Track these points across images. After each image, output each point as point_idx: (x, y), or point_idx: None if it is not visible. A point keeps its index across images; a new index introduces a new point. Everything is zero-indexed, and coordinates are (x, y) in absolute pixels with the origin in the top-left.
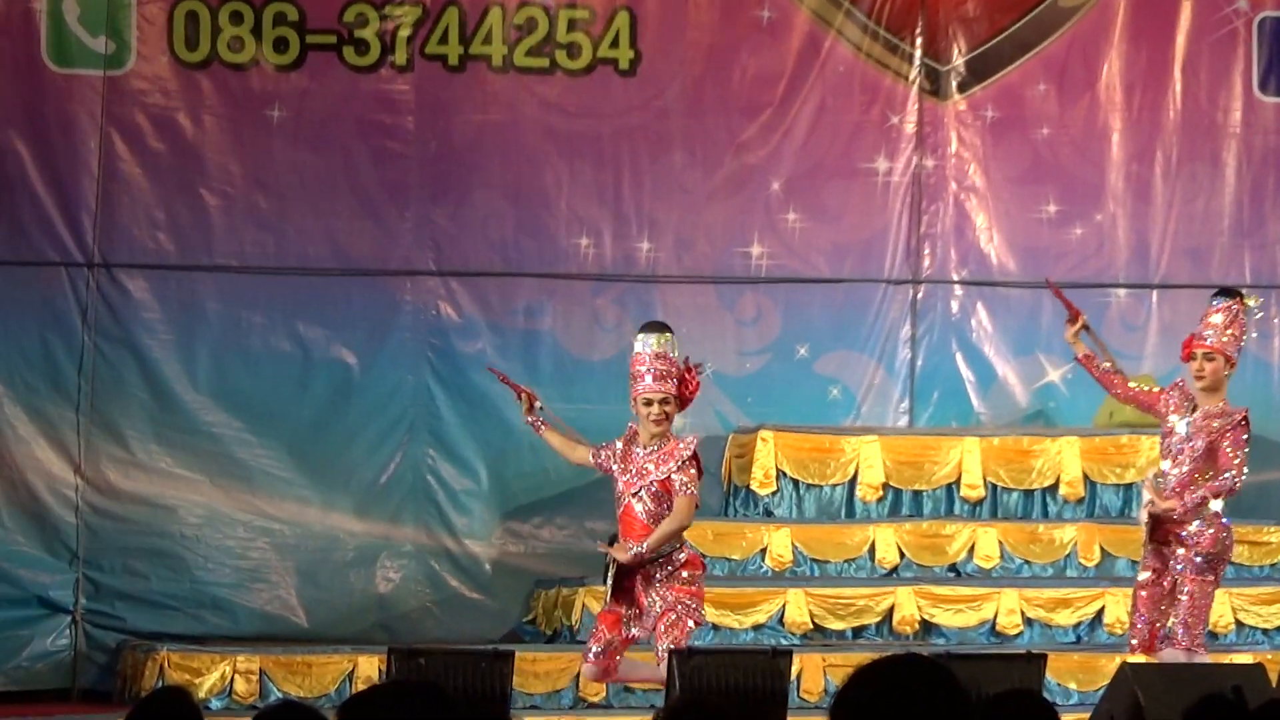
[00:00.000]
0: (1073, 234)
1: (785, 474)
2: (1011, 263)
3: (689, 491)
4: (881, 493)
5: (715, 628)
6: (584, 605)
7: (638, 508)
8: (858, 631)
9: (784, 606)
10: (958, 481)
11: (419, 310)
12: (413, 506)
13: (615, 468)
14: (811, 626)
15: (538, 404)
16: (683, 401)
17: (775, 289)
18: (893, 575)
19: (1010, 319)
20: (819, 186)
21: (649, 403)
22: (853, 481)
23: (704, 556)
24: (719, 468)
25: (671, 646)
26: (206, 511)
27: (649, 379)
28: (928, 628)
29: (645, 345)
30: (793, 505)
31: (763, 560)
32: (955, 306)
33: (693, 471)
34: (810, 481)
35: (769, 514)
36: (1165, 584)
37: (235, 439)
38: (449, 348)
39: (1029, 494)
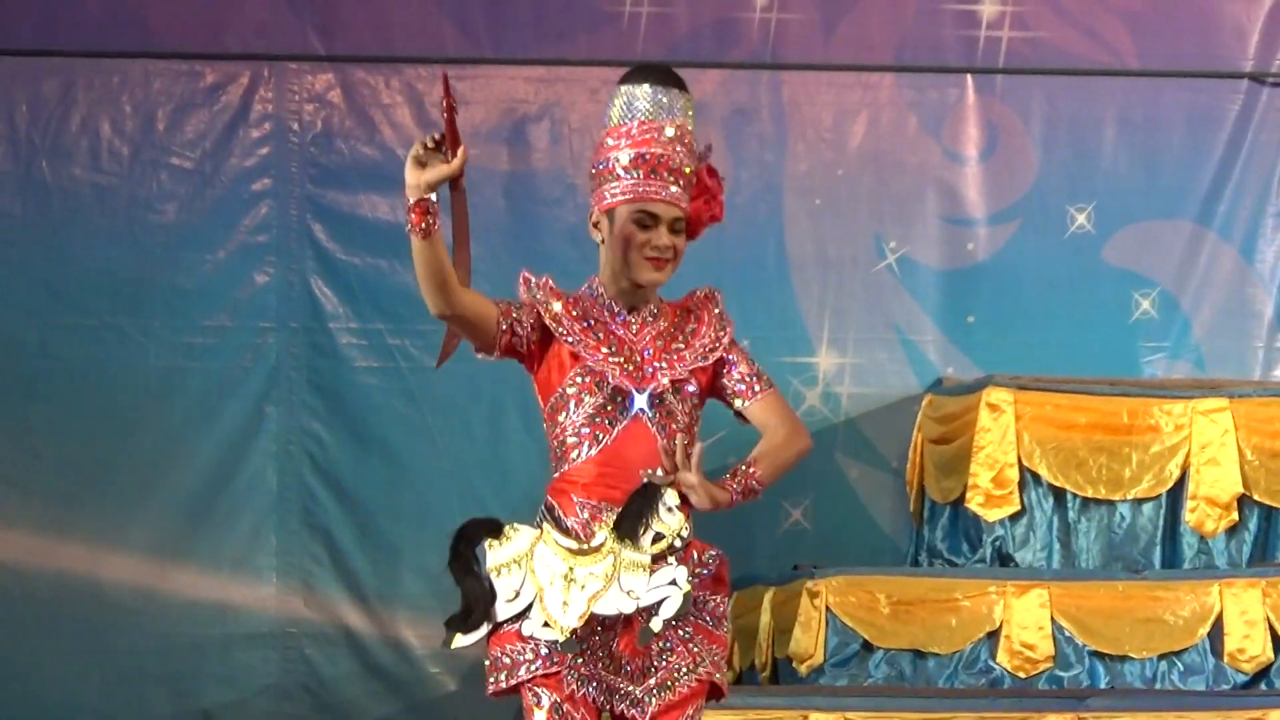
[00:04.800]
0: None
1: (1038, 478)
2: None
3: (774, 384)
4: (1235, 516)
5: None
6: None
7: (655, 430)
8: None
9: None
10: None
11: (286, 130)
12: (280, 540)
13: (576, 348)
14: None
15: (462, 180)
16: (695, 227)
17: (1025, 88)
18: (1261, 683)
19: None
20: None
21: (649, 221)
22: (1177, 492)
23: (868, 643)
24: (901, 461)
25: None
26: None
27: (650, 174)
28: None
29: (646, 104)
30: (1054, 542)
31: (992, 655)
32: None
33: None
34: (1090, 494)
35: (1006, 560)
36: None
37: None
38: (349, 205)
39: None
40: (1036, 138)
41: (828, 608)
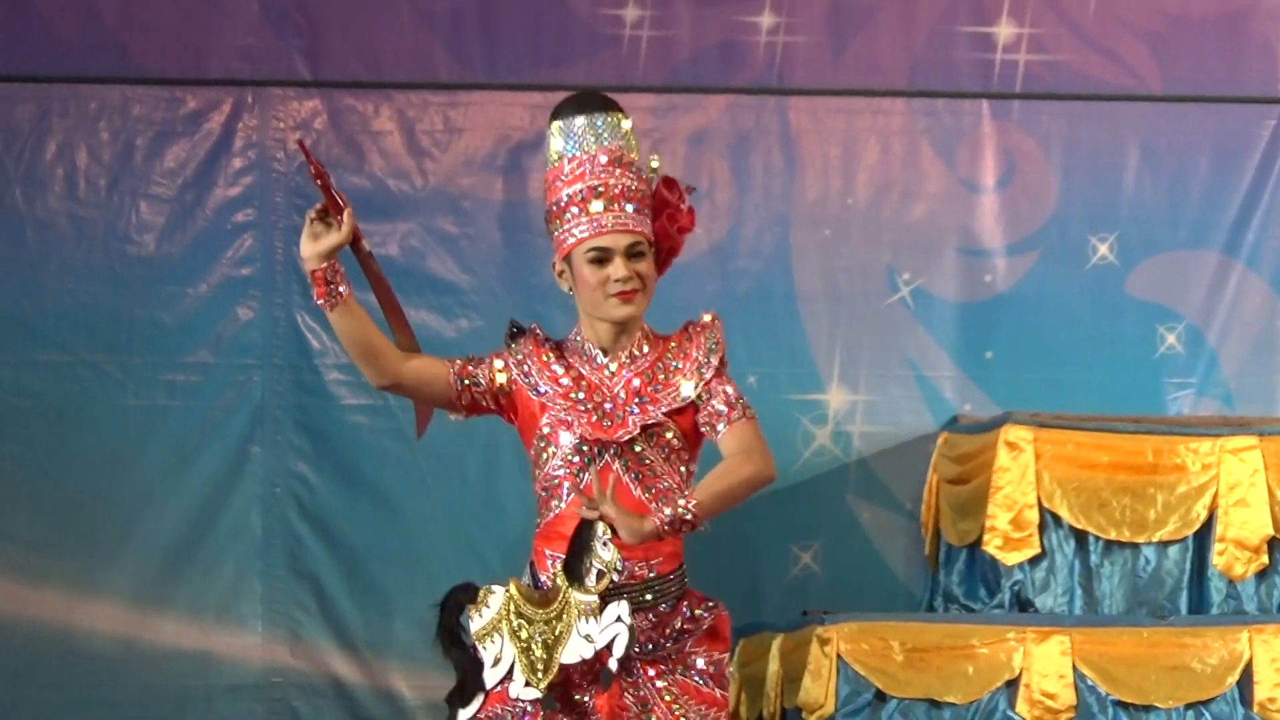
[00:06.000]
0: None
1: (1059, 519)
2: None
3: (751, 413)
4: (1266, 559)
5: None
6: None
7: (628, 479)
8: None
9: None
10: None
11: (271, 159)
12: (265, 587)
13: (542, 399)
14: None
15: (364, 244)
16: (667, 251)
17: (1044, 113)
18: None
19: None
20: None
21: (603, 257)
22: (1204, 535)
23: (881, 693)
24: (915, 502)
25: None
26: None
27: (598, 207)
28: None
29: (574, 138)
30: (1076, 587)
31: (1011, 705)
32: None
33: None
34: (1113, 536)
35: (1025, 605)
36: None
37: None
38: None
39: None
40: (1056, 165)
41: (839, 655)
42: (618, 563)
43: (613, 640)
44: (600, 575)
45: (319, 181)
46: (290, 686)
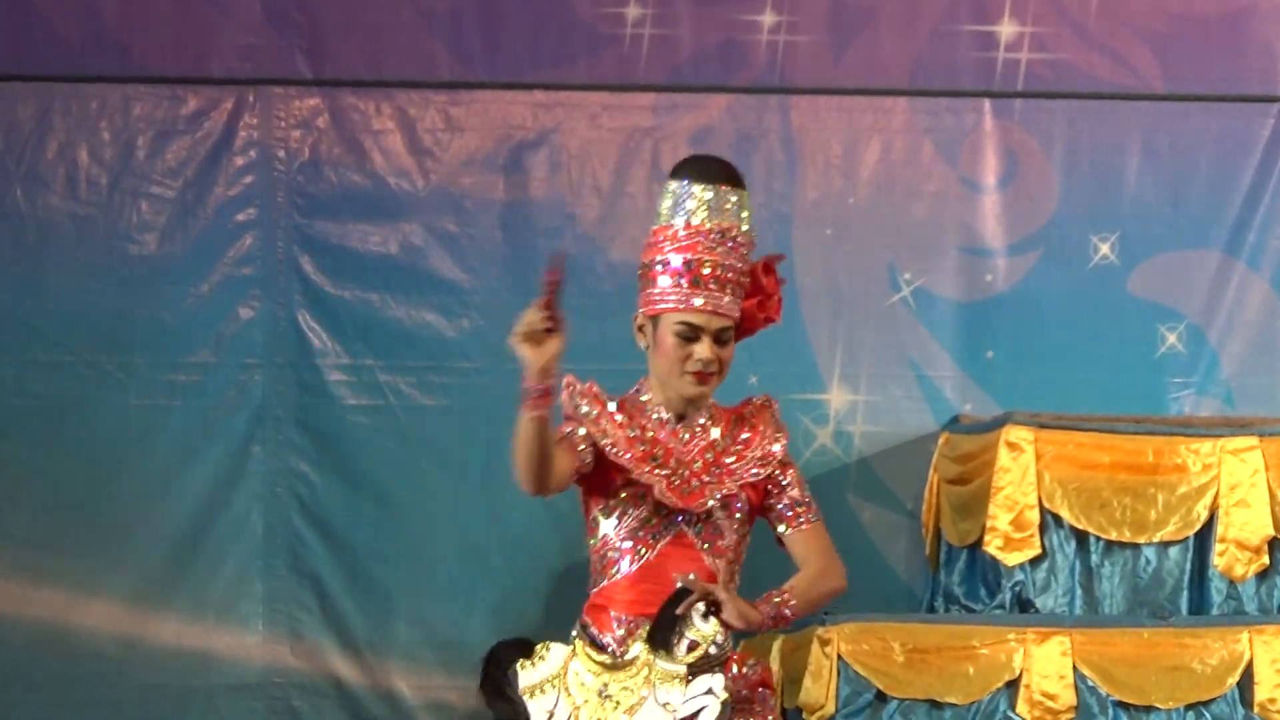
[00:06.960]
0: None
1: (1060, 520)
2: None
3: (821, 514)
4: (1266, 559)
5: None
6: None
7: (701, 548)
8: None
9: None
10: None
11: (272, 157)
12: (266, 586)
13: (623, 462)
14: None
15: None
16: (742, 331)
17: (1045, 112)
18: None
19: None
20: None
21: (690, 335)
22: (1205, 535)
23: (881, 693)
24: (916, 502)
25: None
26: None
27: (693, 282)
28: None
29: (696, 206)
30: (1076, 587)
31: (1011, 705)
32: None
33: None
34: (1113, 537)
35: (1026, 606)
36: None
37: None
38: (338, 236)
39: None
40: (1057, 164)
41: (839, 656)
42: (717, 636)
43: (699, 711)
44: (693, 646)
45: (552, 290)
46: (291, 686)
